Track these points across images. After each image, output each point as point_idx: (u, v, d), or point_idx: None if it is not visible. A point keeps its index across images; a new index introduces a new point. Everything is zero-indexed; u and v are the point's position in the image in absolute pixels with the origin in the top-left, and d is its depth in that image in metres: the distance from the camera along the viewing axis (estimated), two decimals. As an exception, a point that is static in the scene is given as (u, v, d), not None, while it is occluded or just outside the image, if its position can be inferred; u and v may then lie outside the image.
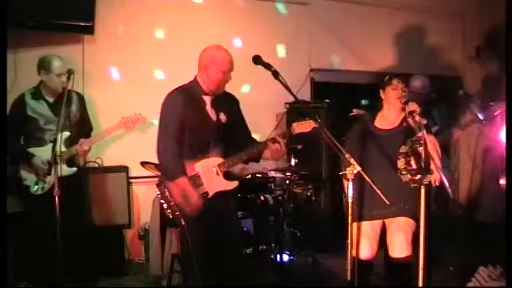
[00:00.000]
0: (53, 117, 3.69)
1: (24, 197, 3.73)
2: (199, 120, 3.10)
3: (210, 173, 3.11)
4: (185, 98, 3.10)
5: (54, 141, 3.32)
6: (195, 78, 3.18)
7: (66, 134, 3.66)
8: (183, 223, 2.66)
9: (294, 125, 3.19)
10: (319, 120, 2.97)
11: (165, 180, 3.11)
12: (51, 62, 3.68)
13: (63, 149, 3.51)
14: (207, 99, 3.15)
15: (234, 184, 3.17)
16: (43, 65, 3.70)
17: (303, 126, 3.16)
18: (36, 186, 3.66)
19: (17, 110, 3.71)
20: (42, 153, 3.65)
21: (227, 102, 3.24)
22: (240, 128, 3.29)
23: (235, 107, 3.30)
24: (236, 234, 3.22)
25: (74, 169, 3.77)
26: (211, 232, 3.10)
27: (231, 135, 3.21)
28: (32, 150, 3.68)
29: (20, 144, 3.72)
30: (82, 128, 3.83)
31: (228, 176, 3.19)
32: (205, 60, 3.11)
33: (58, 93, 3.74)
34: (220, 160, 3.12)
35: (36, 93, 3.75)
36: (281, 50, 5.56)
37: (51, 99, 3.77)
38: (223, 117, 3.16)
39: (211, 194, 3.09)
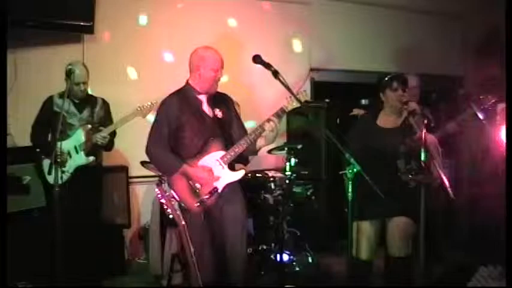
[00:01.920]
0: (77, 113, 3.98)
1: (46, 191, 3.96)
2: (196, 118, 3.13)
3: (215, 167, 3.12)
4: (181, 100, 3.16)
5: (55, 140, 3.41)
6: (187, 82, 3.22)
7: (88, 127, 3.93)
8: (183, 223, 2.65)
9: (285, 102, 3.17)
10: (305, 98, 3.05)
11: (167, 179, 3.10)
12: (72, 71, 3.82)
13: (83, 139, 3.86)
14: (203, 98, 3.20)
15: (241, 173, 3.17)
16: (66, 73, 3.85)
17: (295, 103, 3.13)
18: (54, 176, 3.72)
19: (45, 107, 4.01)
20: (64, 146, 3.79)
21: (221, 101, 3.29)
22: (236, 126, 3.31)
23: (229, 106, 3.34)
24: (239, 235, 3.19)
25: (91, 158, 3.93)
26: (214, 232, 3.09)
27: (228, 130, 3.24)
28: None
29: (46, 138, 3.91)
30: (104, 125, 4.01)
31: (232, 167, 3.20)
32: (196, 61, 3.16)
33: (80, 97, 4.01)
34: (222, 153, 3.14)
35: (63, 94, 3.90)
36: (281, 50, 5.56)
37: (76, 100, 4.00)
38: (219, 113, 3.21)
39: (220, 188, 3.08)
